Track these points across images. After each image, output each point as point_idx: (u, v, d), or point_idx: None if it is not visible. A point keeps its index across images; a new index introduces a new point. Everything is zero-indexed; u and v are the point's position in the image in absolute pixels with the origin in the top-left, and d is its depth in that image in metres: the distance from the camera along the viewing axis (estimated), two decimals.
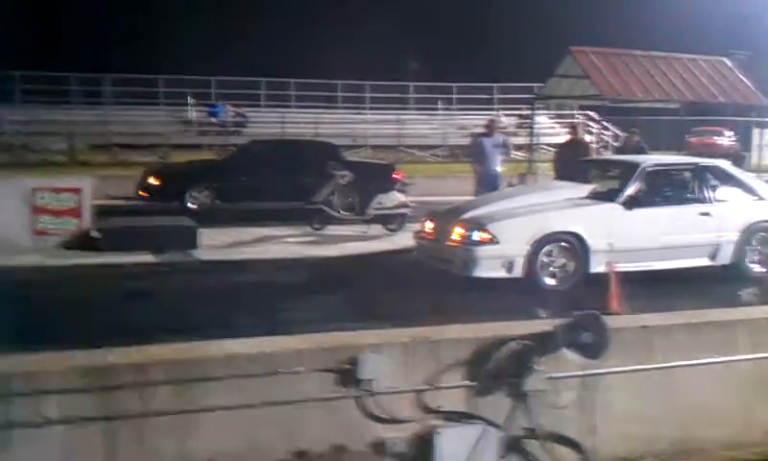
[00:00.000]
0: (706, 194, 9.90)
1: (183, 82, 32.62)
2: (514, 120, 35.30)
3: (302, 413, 6.01)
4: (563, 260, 9.09)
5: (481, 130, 15.26)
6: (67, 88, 31.46)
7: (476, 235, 8.96)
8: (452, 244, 9.19)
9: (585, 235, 9.09)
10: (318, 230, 13.43)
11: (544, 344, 6.52)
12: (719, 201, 9.91)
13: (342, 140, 31.51)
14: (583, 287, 8.87)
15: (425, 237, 9.92)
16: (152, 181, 15.87)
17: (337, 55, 36.95)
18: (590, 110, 32.12)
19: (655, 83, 18.42)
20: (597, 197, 9.77)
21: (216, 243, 11.89)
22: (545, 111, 34.44)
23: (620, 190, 9.64)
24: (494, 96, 36.22)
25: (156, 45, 40.09)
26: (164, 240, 11.29)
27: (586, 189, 9.95)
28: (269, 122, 31.92)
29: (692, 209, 9.76)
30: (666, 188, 10.15)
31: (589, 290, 8.48)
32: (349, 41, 40.62)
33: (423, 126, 34.65)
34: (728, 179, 10.23)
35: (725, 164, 10.80)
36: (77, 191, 11.56)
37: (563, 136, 34.93)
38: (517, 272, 8.91)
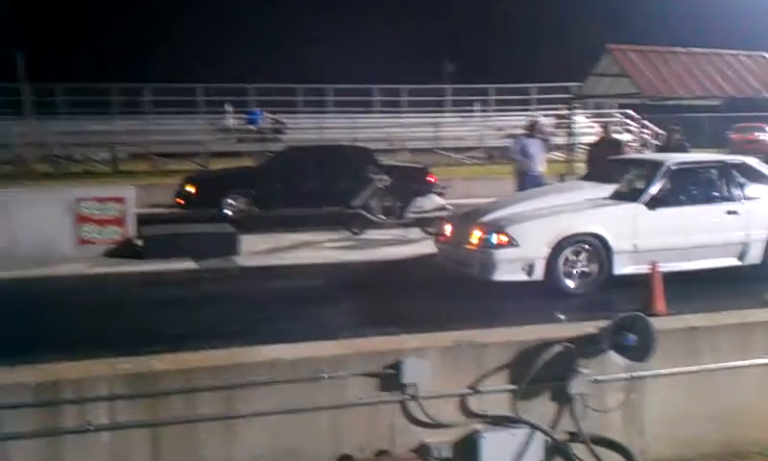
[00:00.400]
0: (733, 192, 9.70)
1: (222, 90, 32.93)
2: (552, 120, 35.04)
3: (346, 418, 6.01)
4: (585, 262, 8.97)
5: (521, 130, 15.18)
6: (108, 99, 31.94)
7: (495, 238, 8.85)
8: (471, 247, 9.09)
9: (607, 236, 8.95)
10: (357, 234, 13.46)
11: (589, 346, 6.44)
12: (747, 199, 9.68)
13: (379, 144, 31.74)
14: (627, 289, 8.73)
15: (445, 241, 9.81)
16: (188, 188, 16.02)
17: (373, 59, 37.06)
18: (630, 109, 31.76)
19: (695, 79, 18.14)
20: (620, 197, 9.60)
21: (256, 249, 11.98)
22: (584, 111, 34.17)
23: (643, 190, 9.45)
24: (532, 96, 35.96)
25: (195, 54, 40.62)
26: (206, 247, 11.41)
27: (609, 189, 9.78)
28: (307, 128, 32.08)
29: (719, 208, 9.58)
30: (691, 187, 9.92)
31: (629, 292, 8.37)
32: (385, 45, 40.74)
33: (460, 128, 34.52)
34: (756, 176, 9.97)
35: (753, 161, 10.52)
36: (120, 200, 11.75)
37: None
38: (538, 275, 8.80)
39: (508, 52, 43.77)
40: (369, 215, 13.61)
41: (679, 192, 9.70)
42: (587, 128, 34.58)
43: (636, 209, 9.24)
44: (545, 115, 34.61)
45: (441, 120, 34.24)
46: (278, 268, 10.94)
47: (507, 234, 8.82)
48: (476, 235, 9.05)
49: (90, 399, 5.47)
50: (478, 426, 6.26)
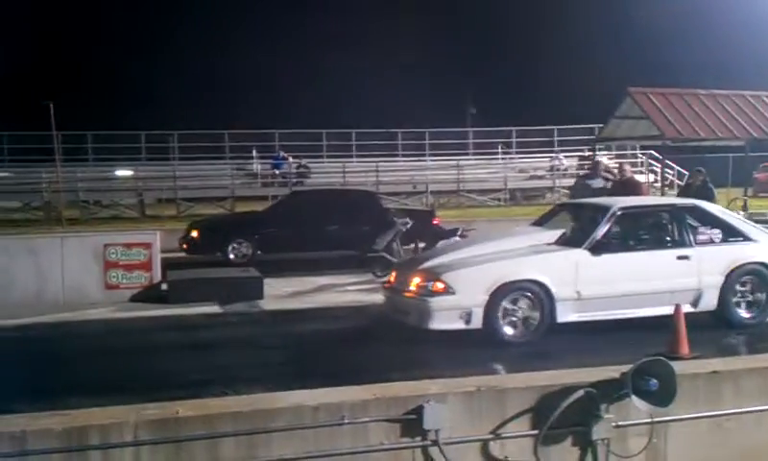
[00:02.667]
0: (684, 237, 9.31)
1: (247, 135, 33.40)
2: (574, 162, 35.10)
3: None
4: (526, 310, 8.61)
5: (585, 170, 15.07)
6: (136, 146, 32.53)
7: (431, 285, 8.53)
8: (409, 295, 8.78)
9: (548, 283, 8.58)
10: (380, 277, 13.50)
11: (611, 391, 6.42)
12: (700, 244, 9.31)
13: (402, 187, 32.06)
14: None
15: (388, 287, 9.46)
16: (192, 233, 16.14)
17: (396, 103, 37.43)
18: (652, 150, 31.76)
19: (718, 120, 18.17)
20: (565, 242, 9.29)
21: (279, 293, 12.07)
22: (606, 153, 34.20)
23: (588, 235, 9.10)
24: (554, 138, 36.09)
25: (221, 101, 41.26)
26: (230, 291, 11.52)
27: (555, 235, 9.47)
28: (330, 172, 32.41)
29: (669, 253, 9.21)
30: (640, 232, 9.65)
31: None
32: (408, 90, 41.07)
33: (483, 170, 34.70)
34: (710, 220, 9.60)
35: (706, 204, 10.18)
36: (147, 246, 11.93)
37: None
38: (476, 323, 8.45)
39: (530, 95, 43.99)
40: (391, 258, 13.68)
41: (626, 237, 9.41)
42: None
43: (579, 255, 8.86)
44: (567, 157, 34.79)
45: (463, 162, 34.43)
46: (304, 311, 11.01)
47: (443, 281, 8.50)
48: (414, 282, 8.76)
49: (116, 444, 5.55)
50: None
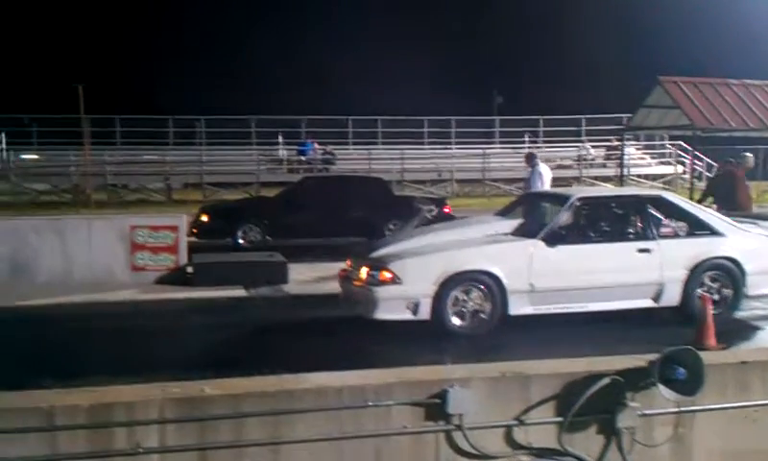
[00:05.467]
0: (646, 229, 9.01)
1: (274, 122, 33.48)
2: (602, 152, 34.82)
3: (391, 446, 6.02)
4: (477, 302, 8.39)
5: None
6: (164, 130, 32.75)
7: (378, 275, 8.34)
8: (358, 284, 8.60)
9: (500, 275, 8.34)
10: None
11: (637, 380, 6.36)
12: (663, 236, 9.04)
13: (428, 175, 31.99)
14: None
15: (342, 277, 9.23)
16: (202, 218, 16.16)
17: (422, 91, 37.33)
18: (682, 141, 31.43)
19: (749, 111, 17.88)
20: (521, 233, 9.04)
21: (304, 278, 12.09)
22: (635, 143, 33.87)
23: (544, 225, 8.88)
24: (582, 128, 35.81)
25: (248, 87, 41.39)
26: (256, 275, 11.56)
27: (513, 225, 9.24)
28: (356, 159, 32.40)
29: (629, 246, 8.88)
30: (600, 223, 9.34)
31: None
32: (435, 78, 40.99)
33: (509, 159, 34.53)
34: (675, 212, 9.32)
35: (671, 196, 9.92)
36: (174, 229, 11.99)
37: (653, 167, 34.50)
38: (424, 314, 8.25)
39: (558, 83, 43.69)
40: None
41: (585, 228, 9.19)
42: (638, 159, 34.34)
43: (533, 246, 8.58)
44: (594, 147, 34.51)
45: (489, 151, 34.28)
46: (329, 296, 11.00)
47: (390, 271, 8.30)
48: (364, 271, 8.58)
49: (141, 422, 5.59)
50: (523, 458, 6.21)
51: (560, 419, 6.26)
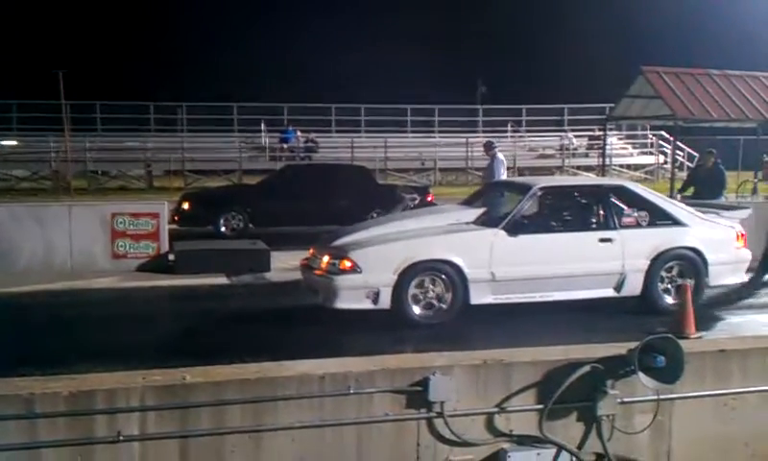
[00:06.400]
0: (608, 219, 8.96)
1: (256, 109, 33.31)
2: (584, 141, 34.94)
3: (372, 434, 6.05)
4: (438, 291, 8.32)
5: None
6: (145, 117, 32.52)
7: (338, 263, 8.27)
8: (318, 273, 8.51)
9: (461, 264, 8.28)
10: None
11: (617, 367, 6.42)
12: (625, 226, 8.93)
13: (411, 164, 31.97)
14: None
15: (304, 265, 9.09)
16: (185, 205, 16.05)
17: (405, 80, 37.28)
18: (663, 131, 31.60)
19: (731, 102, 18.00)
20: (483, 222, 8.95)
21: (286, 265, 12.05)
22: (617, 132, 34.01)
23: (506, 214, 8.83)
24: (565, 118, 35.92)
25: (229, 74, 41.17)
26: (237, 263, 11.53)
27: (475, 214, 9.16)
28: (339, 147, 32.31)
29: (591, 236, 8.85)
30: (561, 212, 9.35)
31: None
32: (418, 66, 40.91)
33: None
34: (638, 201, 9.24)
35: (633, 185, 9.90)
36: (155, 216, 11.90)
37: (635, 157, 34.69)
38: (384, 303, 8.18)
39: (540, 73, 43.78)
40: None
41: (546, 218, 9.19)
42: (620, 149, 34.49)
43: (493, 236, 8.52)
44: (577, 137, 34.63)
45: (473, 140, 34.30)
46: None
47: (350, 259, 8.22)
48: (324, 260, 8.48)
49: (122, 409, 5.58)
50: (504, 445, 6.27)
51: (540, 406, 6.31)
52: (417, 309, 8.32)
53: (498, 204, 9.74)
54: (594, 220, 9.16)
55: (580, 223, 9.21)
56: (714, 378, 6.77)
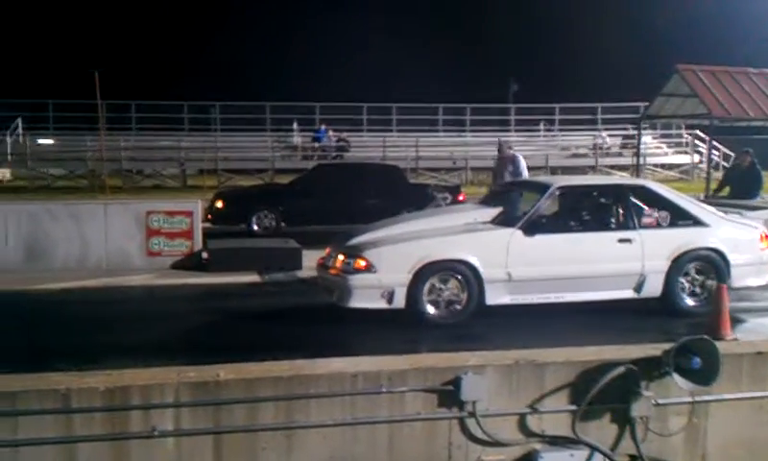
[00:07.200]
0: (628, 218, 8.83)
1: (289, 108, 33.47)
2: (618, 140, 34.62)
3: (404, 432, 6.06)
4: (453, 291, 8.26)
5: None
6: (179, 116, 32.84)
7: (353, 263, 8.24)
8: (333, 272, 8.49)
9: (476, 264, 8.21)
10: None
11: (652, 369, 6.36)
12: (644, 227, 8.81)
13: (442, 163, 31.90)
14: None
15: (320, 264, 9.07)
16: (217, 204, 16.17)
17: (437, 78, 37.24)
18: (699, 130, 31.19)
19: (767, 101, 17.72)
20: (501, 222, 8.85)
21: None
22: (651, 131, 33.64)
23: (522, 214, 8.77)
24: (598, 116, 35.61)
25: (263, 73, 41.42)
26: (270, 261, 11.60)
27: (493, 213, 9.04)
28: (370, 146, 32.34)
29: (610, 236, 8.73)
30: (580, 212, 9.19)
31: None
32: (450, 65, 40.86)
33: (524, 147, 34.33)
34: (657, 201, 9.08)
35: (654, 185, 9.73)
36: (189, 214, 12.02)
37: (670, 156, 34.28)
38: (399, 303, 8.13)
39: (573, 71, 43.43)
40: None
41: (564, 218, 9.07)
42: (655, 148, 34.12)
43: (510, 236, 8.42)
44: (611, 136, 34.30)
45: (504, 139, 34.12)
46: None
47: (365, 259, 8.18)
48: (339, 259, 8.46)
49: (156, 405, 5.64)
50: (536, 446, 6.23)
51: (573, 407, 6.27)
52: (432, 309, 8.27)
53: (516, 203, 9.69)
54: (614, 220, 9.04)
55: (599, 223, 9.08)
56: (751, 381, 6.67)
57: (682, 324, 8.27)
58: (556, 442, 6.25)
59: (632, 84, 31.63)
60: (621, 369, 6.28)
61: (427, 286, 8.21)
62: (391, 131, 34.20)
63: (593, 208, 9.31)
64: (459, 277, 8.27)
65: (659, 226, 8.95)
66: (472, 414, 6.06)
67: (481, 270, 8.24)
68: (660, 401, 6.38)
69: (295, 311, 9.47)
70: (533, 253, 8.43)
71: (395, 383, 5.98)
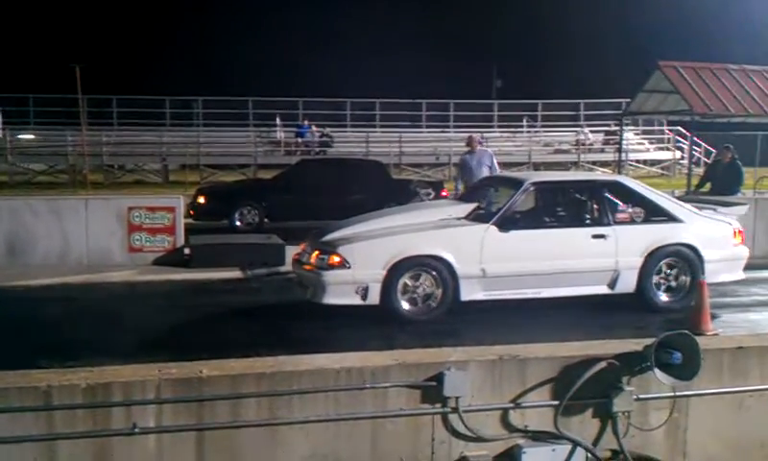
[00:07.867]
0: (602, 214, 8.84)
1: (271, 103, 33.38)
2: (600, 136, 34.79)
3: (387, 428, 6.05)
4: (428, 287, 8.25)
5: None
6: (161, 111, 32.67)
7: (327, 259, 8.19)
8: (308, 268, 8.45)
9: (451, 260, 8.19)
10: None
11: (634, 364, 6.39)
12: (619, 222, 8.83)
13: (425, 159, 31.94)
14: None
15: (295, 260, 8.99)
16: (200, 199, 16.13)
17: (421, 74, 37.22)
18: (680, 126, 31.40)
19: (749, 97, 17.83)
20: (474, 217, 8.84)
21: None
22: (633, 127, 33.83)
23: (497, 210, 8.73)
24: (580, 112, 35.77)
25: (246, 68, 41.24)
26: (253, 257, 11.55)
27: (467, 209, 9.04)
28: (354, 141, 32.33)
29: (584, 232, 8.74)
30: (553, 208, 9.23)
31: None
32: (433, 61, 40.83)
33: (507, 143, 34.46)
34: (631, 197, 9.11)
35: (628, 181, 9.77)
36: (171, 210, 11.97)
37: (651, 152, 34.49)
38: (373, 299, 8.11)
39: (556, 67, 43.57)
40: None
41: (538, 213, 9.10)
42: (636, 144, 34.31)
43: (485, 231, 8.41)
44: (593, 132, 34.47)
45: (488, 135, 34.21)
46: None
47: (339, 255, 8.15)
48: (314, 255, 8.41)
49: (138, 402, 5.61)
50: (519, 441, 6.25)
51: (556, 402, 6.29)
52: (406, 305, 8.25)
53: (490, 199, 9.68)
54: (588, 216, 9.06)
55: (573, 218, 9.10)
56: (731, 376, 6.71)
57: (656, 320, 8.32)
58: (538, 437, 6.28)
59: (614, 80, 31.79)
60: (603, 364, 6.30)
61: (401, 282, 8.20)
62: (374, 126, 34.22)
63: (567, 204, 9.32)
64: (433, 272, 8.25)
65: (632, 222, 9.00)
66: (455, 409, 6.07)
67: (455, 266, 8.23)
68: (642, 396, 6.41)
69: (278, 307, 9.44)
70: (507, 248, 8.43)
71: (378, 379, 5.98)
